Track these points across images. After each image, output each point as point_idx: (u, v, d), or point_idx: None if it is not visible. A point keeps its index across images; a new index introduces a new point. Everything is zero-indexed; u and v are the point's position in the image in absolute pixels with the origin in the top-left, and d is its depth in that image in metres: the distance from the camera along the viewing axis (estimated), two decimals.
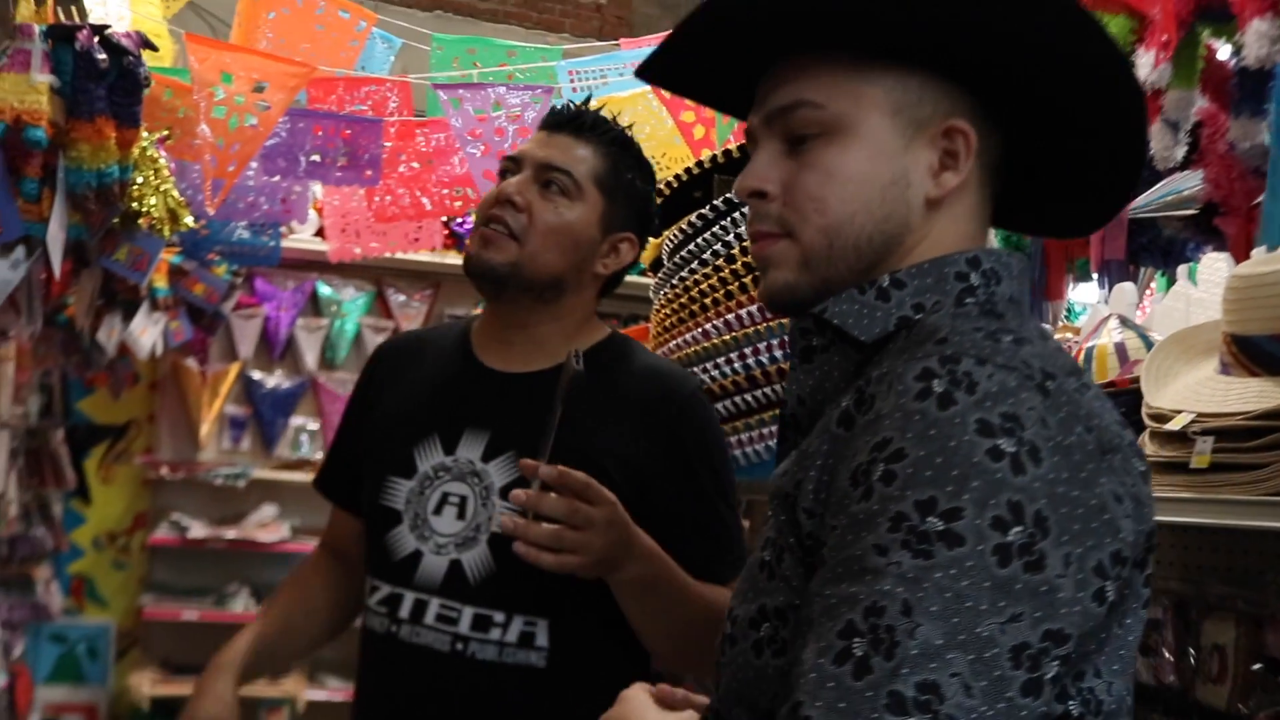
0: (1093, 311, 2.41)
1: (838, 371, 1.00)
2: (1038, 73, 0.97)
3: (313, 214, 4.42)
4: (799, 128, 1.00)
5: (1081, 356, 1.96)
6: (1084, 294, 3.14)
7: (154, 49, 1.73)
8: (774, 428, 2.31)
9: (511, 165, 1.67)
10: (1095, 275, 2.86)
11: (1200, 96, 1.64)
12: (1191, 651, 1.82)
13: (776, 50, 1.03)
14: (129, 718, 4.63)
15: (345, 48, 3.36)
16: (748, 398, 2.36)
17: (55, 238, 1.65)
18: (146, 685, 4.53)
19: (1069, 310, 3.97)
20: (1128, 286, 2.57)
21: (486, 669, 1.54)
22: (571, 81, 3.16)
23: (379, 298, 5.26)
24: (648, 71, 1.11)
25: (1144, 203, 2.48)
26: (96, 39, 1.63)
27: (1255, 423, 1.46)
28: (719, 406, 2.32)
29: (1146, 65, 1.61)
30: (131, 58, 1.66)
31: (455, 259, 4.90)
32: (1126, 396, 1.69)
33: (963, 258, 0.98)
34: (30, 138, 1.54)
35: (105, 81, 1.65)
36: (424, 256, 4.61)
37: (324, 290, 5.16)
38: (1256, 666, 1.71)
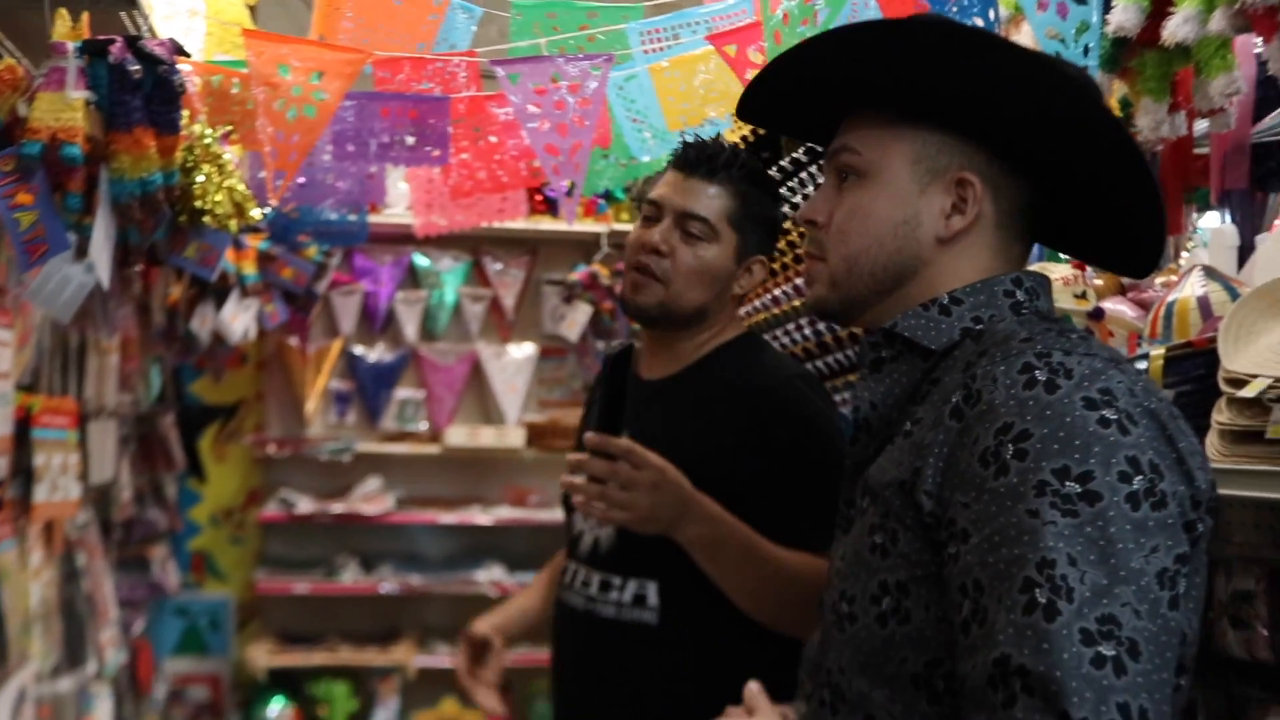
0: (1188, 261, 2.27)
1: (906, 379, 1.18)
2: (1037, 138, 1.16)
3: (405, 187, 4.46)
4: (843, 168, 1.23)
5: (1162, 311, 1.84)
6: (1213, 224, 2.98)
7: (187, 55, 1.72)
8: (846, 394, 2.24)
9: (653, 210, 1.92)
10: (1216, 205, 2.72)
11: None
12: None
13: (849, 103, 1.24)
14: (249, 688, 4.79)
15: (425, 22, 3.34)
16: (819, 364, 2.30)
17: (100, 248, 1.66)
18: (263, 657, 4.67)
19: (1195, 238, 3.78)
20: (1227, 228, 2.43)
21: (608, 625, 1.84)
22: (644, 44, 3.10)
23: (476, 266, 5.29)
24: (744, 114, 1.37)
25: (1270, 125, 2.33)
26: (130, 51, 1.63)
27: None
28: None
29: None
30: (165, 66, 1.66)
31: (550, 224, 4.89)
32: (1204, 358, 1.58)
33: (1008, 278, 1.19)
34: (67, 155, 1.56)
35: (141, 92, 1.65)
36: (519, 224, 4.60)
37: (421, 262, 5.20)
38: None
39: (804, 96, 1.29)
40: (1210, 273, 1.84)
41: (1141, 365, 1.64)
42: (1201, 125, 2.15)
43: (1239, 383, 1.46)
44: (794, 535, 1.75)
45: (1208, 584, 1.86)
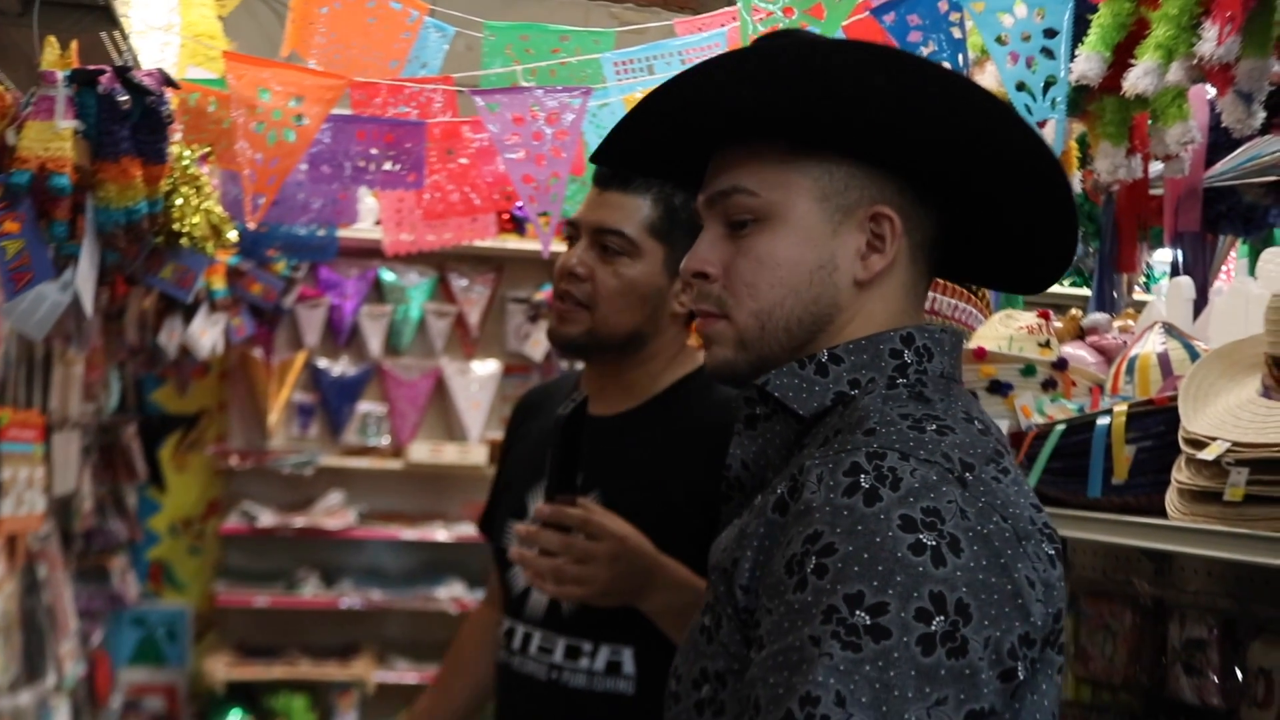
0: (1145, 313, 2.34)
1: (779, 439, 1.08)
2: (954, 162, 1.05)
3: (373, 201, 4.46)
4: (735, 213, 1.08)
5: (1124, 366, 1.90)
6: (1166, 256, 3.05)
7: (175, 87, 1.74)
8: None
9: (572, 231, 1.76)
10: (1169, 245, 2.79)
11: (1277, 62, 1.61)
12: (1238, 672, 1.78)
13: (721, 136, 1.10)
14: (206, 699, 4.77)
15: (398, 40, 3.36)
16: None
17: (86, 278, 1.67)
18: (221, 669, 4.65)
19: (1148, 275, 3.86)
20: (1184, 281, 2.50)
21: (579, 696, 1.65)
22: (618, 75, 3.13)
23: (442, 282, 5.30)
24: (604, 159, 1.21)
25: (1222, 170, 2.41)
26: (119, 81, 1.65)
27: None
28: None
29: (1213, 40, 1.58)
30: (153, 97, 1.67)
31: (516, 243, 4.92)
32: (1164, 415, 1.64)
33: (897, 335, 1.06)
34: (55, 185, 1.57)
35: (129, 122, 1.67)
36: (486, 242, 4.61)
37: (387, 277, 5.20)
38: None
39: (666, 134, 1.15)
40: (1170, 330, 1.89)
41: (1104, 420, 1.70)
42: (1156, 166, 2.22)
43: (1198, 444, 1.51)
44: None
45: (1161, 631, 1.93)
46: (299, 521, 4.80)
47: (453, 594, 4.85)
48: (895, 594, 0.87)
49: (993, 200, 1.09)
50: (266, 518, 4.79)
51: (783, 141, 1.07)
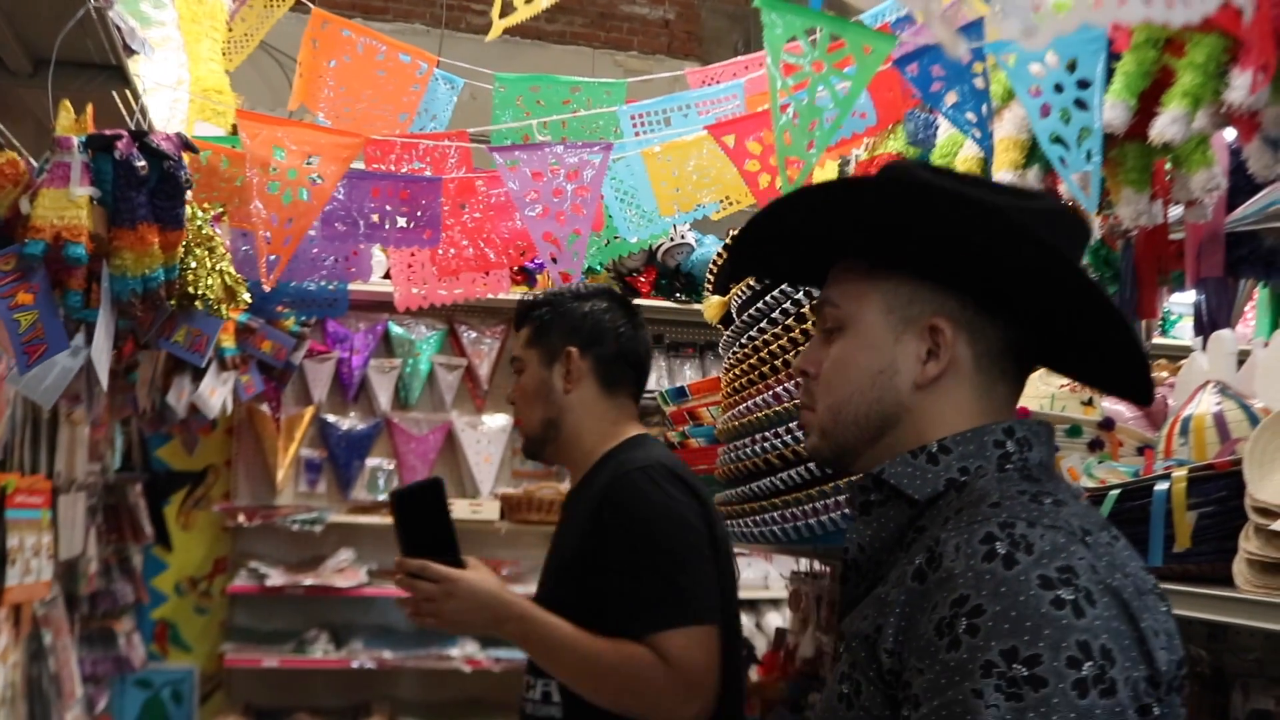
0: (1186, 367, 2.27)
1: (893, 524, 1.21)
2: (1001, 285, 1.20)
3: (381, 255, 4.41)
4: (826, 321, 1.29)
5: (1177, 428, 1.83)
6: (1183, 298, 2.98)
7: (194, 151, 1.68)
8: (845, 495, 2.21)
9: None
10: (1192, 289, 2.74)
11: None
12: None
13: (832, 252, 1.30)
14: None
15: (407, 93, 3.33)
16: (823, 468, 2.25)
17: (101, 349, 1.61)
18: None
19: (1164, 319, 3.78)
20: (1225, 334, 2.43)
21: None
22: (635, 127, 3.09)
23: (451, 335, 5.24)
24: (740, 271, 1.50)
25: (1243, 214, 2.36)
26: (136, 146, 1.59)
27: None
28: (790, 474, 2.22)
29: (1242, 88, 1.55)
30: (171, 161, 1.62)
31: (526, 294, 4.85)
32: (1226, 480, 1.57)
33: (999, 428, 1.20)
34: (71, 255, 1.51)
35: (146, 187, 1.61)
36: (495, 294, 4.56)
37: (396, 330, 5.15)
38: None
39: (791, 248, 1.36)
40: (1224, 389, 1.82)
41: (1163, 485, 1.63)
42: (1175, 210, 2.17)
43: (1269, 513, 1.44)
44: (618, 622, 1.95)
45: (1222, 701, 1.85)
46: (308, 580, 4.71)
47: (466, 653, 4.75)
48: (1046, 645, 0.98)
49: (1054, 319, 1.20)
50: (275, 576, 4.70)
51: (866, 261, 1.25)
